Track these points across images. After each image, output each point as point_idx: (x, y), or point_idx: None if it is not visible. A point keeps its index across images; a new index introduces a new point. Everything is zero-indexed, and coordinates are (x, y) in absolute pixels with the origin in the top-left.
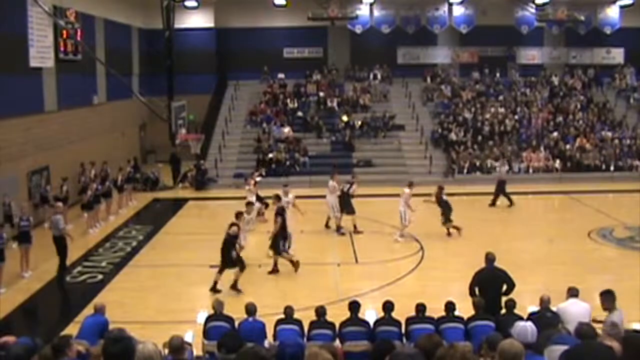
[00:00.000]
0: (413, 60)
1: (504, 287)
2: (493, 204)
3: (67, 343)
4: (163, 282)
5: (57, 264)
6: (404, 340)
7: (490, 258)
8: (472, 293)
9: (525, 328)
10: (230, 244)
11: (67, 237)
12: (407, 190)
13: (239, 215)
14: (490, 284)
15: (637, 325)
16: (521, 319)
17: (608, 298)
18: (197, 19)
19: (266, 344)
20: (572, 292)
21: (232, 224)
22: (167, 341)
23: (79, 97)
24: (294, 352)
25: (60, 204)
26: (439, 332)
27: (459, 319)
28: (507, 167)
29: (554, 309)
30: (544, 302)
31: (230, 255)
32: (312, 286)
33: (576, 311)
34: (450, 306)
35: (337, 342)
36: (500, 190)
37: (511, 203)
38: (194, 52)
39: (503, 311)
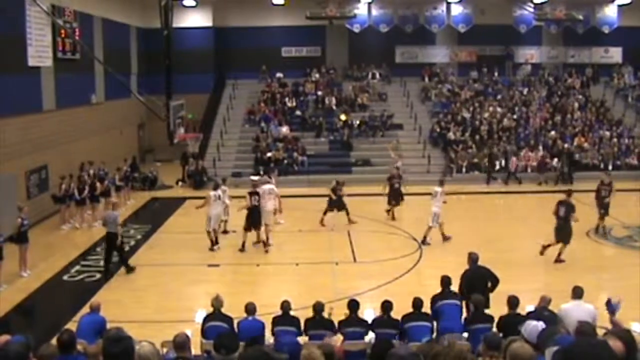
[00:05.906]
0: (411, 60)
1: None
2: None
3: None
4: (161, 281)
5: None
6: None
7: (473, 258)
8: (462, 294)
9: (537, 328)
10: None
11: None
12: (439, 189)
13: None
14: (477, 282)
15: (637, 324)
16: (524, 317)
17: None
18: (195, 18)
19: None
20: (577, 293)
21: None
22: (165, 340)
23: (77, 96)
24: (291, 352)
25: (115, 199)
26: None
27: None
28: (400, 164)
29: (555, 310)
30: (544, 302)
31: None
32: (310, 285)
33: (579, 315)
34: (446, 280)
35: (335, 339)
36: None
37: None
38: (192, 51)
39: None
